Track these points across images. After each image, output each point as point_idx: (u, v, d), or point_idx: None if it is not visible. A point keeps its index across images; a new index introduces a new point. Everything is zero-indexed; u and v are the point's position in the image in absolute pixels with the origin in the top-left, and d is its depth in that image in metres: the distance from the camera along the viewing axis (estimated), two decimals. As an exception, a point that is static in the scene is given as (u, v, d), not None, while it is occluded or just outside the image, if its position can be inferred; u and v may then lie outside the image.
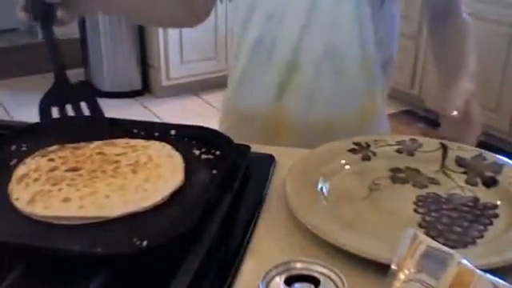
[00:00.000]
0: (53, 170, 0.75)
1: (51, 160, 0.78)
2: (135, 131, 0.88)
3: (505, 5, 2.81)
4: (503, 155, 0.86)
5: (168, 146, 0.82)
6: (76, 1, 0.92)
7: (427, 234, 0.69)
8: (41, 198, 0.69)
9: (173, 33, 3.63)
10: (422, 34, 3.33)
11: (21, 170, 0.76)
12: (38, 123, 0.89)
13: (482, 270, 0.62)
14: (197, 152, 0.83)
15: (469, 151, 0.87)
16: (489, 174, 0.82)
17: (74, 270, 0.61)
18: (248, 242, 0.70)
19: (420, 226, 0.72)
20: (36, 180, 0.73)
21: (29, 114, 0.91)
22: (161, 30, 3.59)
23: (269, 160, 0.87)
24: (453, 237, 0.69)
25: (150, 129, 0.89)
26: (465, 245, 0.68)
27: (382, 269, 0.62)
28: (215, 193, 0.72)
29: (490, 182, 0.81)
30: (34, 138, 0.85)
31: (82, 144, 0.83)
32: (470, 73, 1.01)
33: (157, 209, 0.69)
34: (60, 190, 0.70)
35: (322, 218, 0.70)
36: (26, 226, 0.66)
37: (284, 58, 1.05)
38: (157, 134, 0.88)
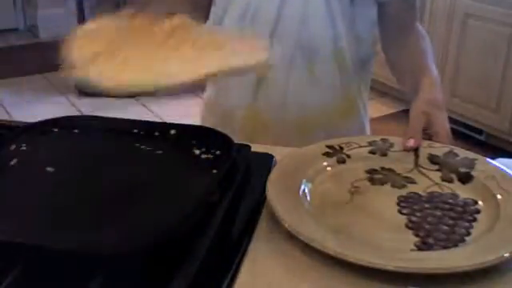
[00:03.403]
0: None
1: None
2: (135, 131, 0.88)
3: (505, 5, 2.81)
4: (503, 155, 0.86)
5: None
6: None
7: (416, 235, 0.70)
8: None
9: (173, 33, 3.62)
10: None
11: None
12: (37, 123, 0.90)
13: (477, 269, 0.62)
14: (197, 152, 0.83)
15: (439, 148, 0.88)
16: (463, 169, 0.83)
17: (74, 270, 0.61)
18: (248, 242, 0.70)
19: (407, 227, 0.72)
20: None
21: (29, 114, 0.92)
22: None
23: (269, 160, 0.87)
24: (441, 236, 0.70)
25: (150, 128, 0.89)
26: (455, 244, 0.68)
27: (378, 275, 0.63)
28: (215, 193, 0.72)
29: (466, 178, 0.82)
30: (34, 137, 0.85)
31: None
32: (434, 84, 1.01)
33: (157, 208, 0.69)
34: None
35: (311, 227, 0.70)
36: (26, 225, 0.66)
37: None
38: (157, 133, 0.88)
